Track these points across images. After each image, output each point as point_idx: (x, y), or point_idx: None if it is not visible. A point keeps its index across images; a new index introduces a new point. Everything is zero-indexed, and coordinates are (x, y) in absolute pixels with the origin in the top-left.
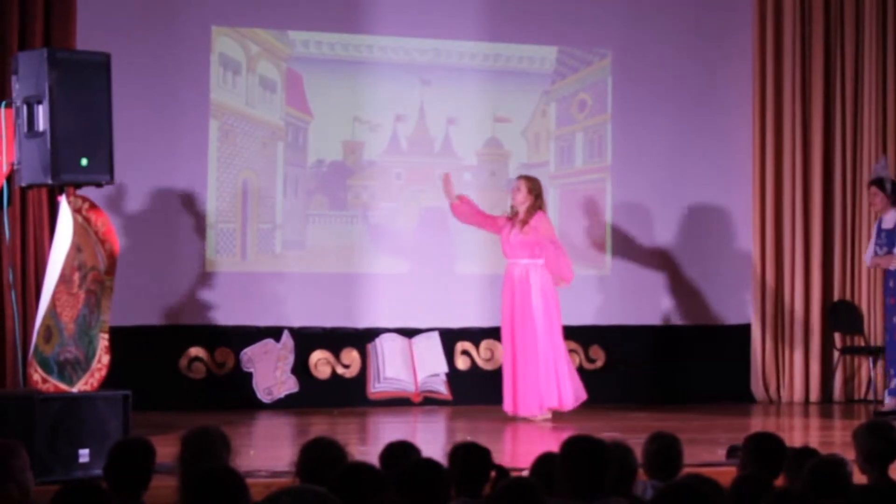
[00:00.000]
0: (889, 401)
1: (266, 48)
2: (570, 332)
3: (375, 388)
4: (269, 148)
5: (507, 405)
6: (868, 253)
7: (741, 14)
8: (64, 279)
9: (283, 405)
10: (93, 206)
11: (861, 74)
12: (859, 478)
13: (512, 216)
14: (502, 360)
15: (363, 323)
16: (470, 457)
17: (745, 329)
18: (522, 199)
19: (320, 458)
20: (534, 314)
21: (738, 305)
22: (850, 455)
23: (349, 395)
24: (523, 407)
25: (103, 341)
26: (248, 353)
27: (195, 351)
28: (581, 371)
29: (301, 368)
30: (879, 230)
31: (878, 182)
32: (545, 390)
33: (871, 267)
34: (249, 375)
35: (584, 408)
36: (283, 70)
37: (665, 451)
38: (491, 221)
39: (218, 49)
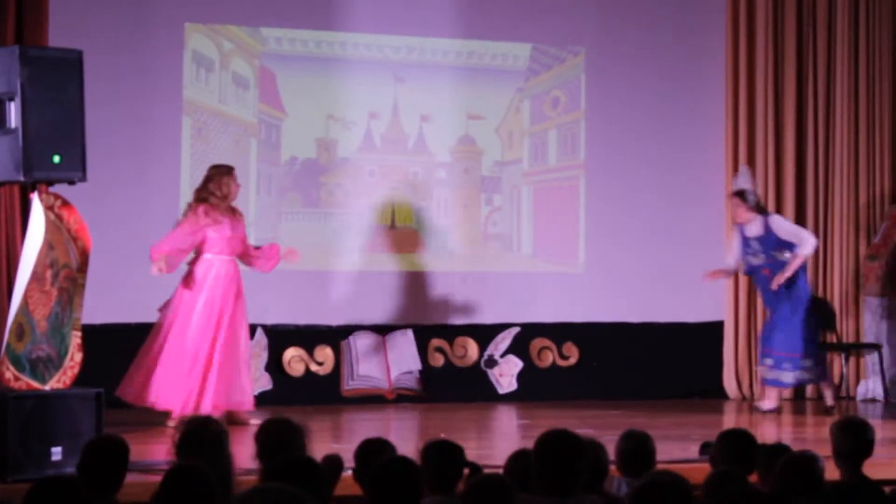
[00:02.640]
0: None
1: (239, 45)
2: (544, 329)
3: (349, 386)
4: (242, 145)
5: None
6: (732, 260)
7: (714, 11)
8: (36, 277)
9: (257, 403)
10: (65, 203)
11: (833, 70)
12: (833, 473)
13: (226, 211)
14: (190, 358)
15: (337, 320)
16: (443, 454)
17: (717, 326)
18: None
19: (278, 436)
20: (243, 315)
21: (711, 302)
22: (822, 451)
23: (323, 392)
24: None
25: (76, 339)
26: None
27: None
28: (555, 368)
29: (274, 366)
30: (745, 239)
31: (740, 194)
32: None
33: (746, 273)
34: None
35: (557, 404)
36: (256, 67)
37: (638, 449)
38: (196, 236)
39: (191, 46)
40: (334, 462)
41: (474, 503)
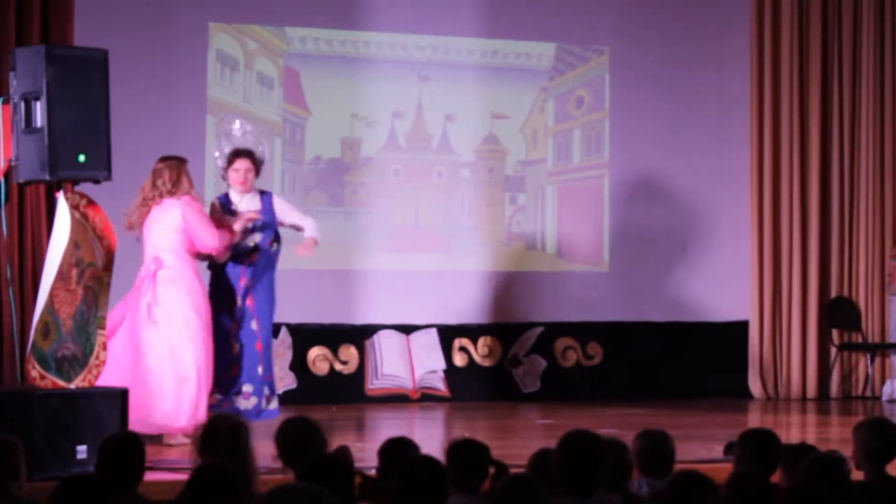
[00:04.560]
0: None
1: (263, 45)
2: (568, 329)
3: (373, 385)
4: (267, 145)
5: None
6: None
7: (739, 10)
8: (62, 275)
9: (281, 402)
10: (90, 202)
11: (858, 71)
12: (855, 473)
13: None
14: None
15: (361, 319)
16: (468, 453)
17: (742, 325)
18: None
19: (297, 437)
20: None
21: (736, 301)
22: (847, 451)
23: (347, 391)
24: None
25: (101, 338)
26: None
27: None
28: (579, 367)
29: (299, 365)
30: (235, 212)
31: (248, 154)
32: None
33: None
34: None
35: (581, 404)
36: (281, 67)
37: (654, 448)
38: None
39: (215, 45)
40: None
41: (504, 503)
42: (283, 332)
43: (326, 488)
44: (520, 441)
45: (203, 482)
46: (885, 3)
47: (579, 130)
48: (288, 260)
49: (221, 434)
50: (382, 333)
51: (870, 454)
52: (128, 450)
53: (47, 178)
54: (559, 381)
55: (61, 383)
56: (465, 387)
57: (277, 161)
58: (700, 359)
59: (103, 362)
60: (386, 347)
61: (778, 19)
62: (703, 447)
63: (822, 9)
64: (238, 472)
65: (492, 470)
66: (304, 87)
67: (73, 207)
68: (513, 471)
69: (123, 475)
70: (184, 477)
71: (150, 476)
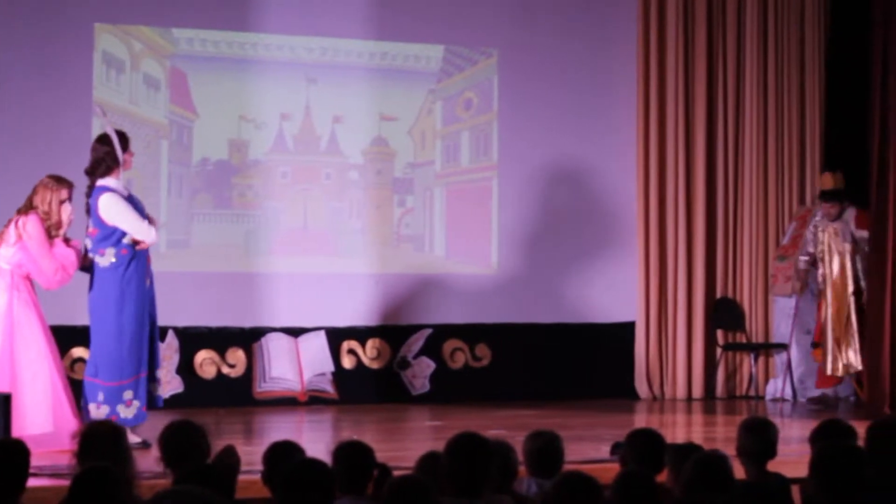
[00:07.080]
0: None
1: (150, 46)
2: (457, 331)
3: (261, 388)
4: (153, 147)
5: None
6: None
7: (625, 13)
8: None
9: (168, 405)
10: None
11: (742, 73)
12: (738, 471)
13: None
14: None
15: (249, 322)
16: (353, 455)
17: (629, 326)
18: None
19: (180, 441)
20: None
21: (623, 303)
22: (732, 450)
23: (235, 394)
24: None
25: None
26: None
27: (78, 352)
28: (467, 369)
29: (186, 368)
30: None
31: (108, 140)
32: None
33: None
34: None
35: (470, 406)
36: (167, 68)
37: (544, 448)
38: None
39: (101, 46)
40: (232, 456)
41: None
42: (171, 335)
43: (210, 490)
44: (409, 443)
45: (84, 486)
46: (767, 7)
47: (468, 132)
48: (175, 262)
49: (100, 438)
50: (270, 336)
51: (750, 453)
52: (12, 457)
53: None
54: (448, 382)
55: None
56: (353, 389)
57: (164, 163)
58: (587, 360)
59: None
60: (274, 350)
61: (664, 22)
62: (591, 447)
63: (707, 13)
64: (119, 475)
65: (376, 472)
66: (192, 88)
67: None
68: (400, 473)
69: (7, 483)
70: (66, 483)
71: (32, 482)
